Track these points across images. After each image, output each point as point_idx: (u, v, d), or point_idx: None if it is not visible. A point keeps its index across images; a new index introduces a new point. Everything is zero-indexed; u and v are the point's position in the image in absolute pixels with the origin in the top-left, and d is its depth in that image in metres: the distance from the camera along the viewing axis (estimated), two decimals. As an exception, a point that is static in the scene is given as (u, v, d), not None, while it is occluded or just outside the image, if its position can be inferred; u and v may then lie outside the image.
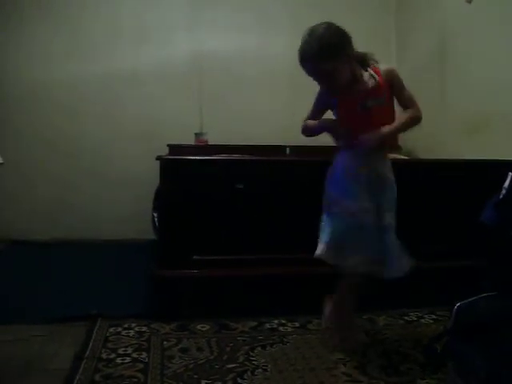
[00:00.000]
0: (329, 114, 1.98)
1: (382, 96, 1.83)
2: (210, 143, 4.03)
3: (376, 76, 1.83)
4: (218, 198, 2.34)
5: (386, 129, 1.80)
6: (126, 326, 2.17)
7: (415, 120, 1.87)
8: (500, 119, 3.04)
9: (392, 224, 1.90)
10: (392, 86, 1.85)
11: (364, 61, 1.87)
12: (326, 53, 1.73)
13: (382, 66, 1.87)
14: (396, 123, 1.84)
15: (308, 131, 1.98)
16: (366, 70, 1.85)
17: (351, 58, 1.81)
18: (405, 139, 4.28)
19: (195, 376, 1.72)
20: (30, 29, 4.03)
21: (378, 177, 1.89)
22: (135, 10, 4.19)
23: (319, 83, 1.86)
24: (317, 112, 1.96)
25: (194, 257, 2.30)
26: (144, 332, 2.11)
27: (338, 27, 1.78)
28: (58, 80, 4.04)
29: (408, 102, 1.87)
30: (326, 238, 1.88)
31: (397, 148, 1.96)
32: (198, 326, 2.18)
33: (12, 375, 1.71)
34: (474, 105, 3.29)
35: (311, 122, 1.95)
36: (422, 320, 2.29)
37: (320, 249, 1.88)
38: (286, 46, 4.37)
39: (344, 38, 1.79)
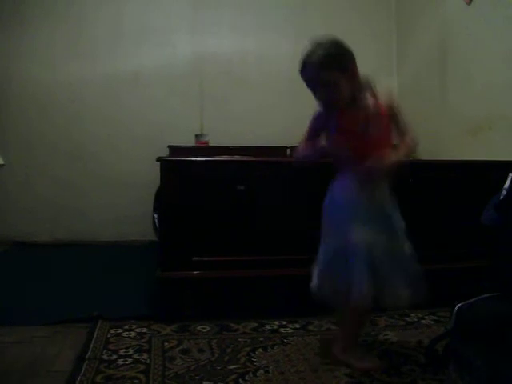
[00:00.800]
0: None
1: (382, 125, 1.78)
2: (210, 145, 4.04)
3: (378, 106, 1.79)
4: (219, 199, 2.34)
5: (393, 156, 1.73)
6: (126, 327, 2.17)
7: (414, 147, 1.84)
8: (501, 120, 3.04)
9: (405, 252, 1.81)
10: (392, 116, 1.81)
11: (366, 85, 1.81)
12: (330, 62, 1.70)
13: (383, 97, 1.81)
14: (401, 150, 1.79)
15: (304, 156, 1.85)
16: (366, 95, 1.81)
17: (354, 77, 1.76)
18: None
19: (196, 377, 1.72)
20: (31, 30, 4.05)
21: (380, 205, 1.81)
22: (137, 11, 4.21)
23: (317, 96, 1.78)
24: (313, 133, 1.86)
25: (195, 258, 2.30)
26: (145, 333, 2.11)
27: (343, 43, 1.76)
28: (59, 81, 4.06)
29: (405, 130, 1.83)
30: (327, 268, 1.80)
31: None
32: (199, 327, 2.18)
33: (14, 377, 1.71)
34: (476, 106, 3.29)
35: (307, 144, 1.83)
36: (423, 321, 2.29)
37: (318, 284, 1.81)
38: (287, 48, 4.41)
39: (350, 54, 1.76)
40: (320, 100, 1.79)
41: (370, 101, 1.80)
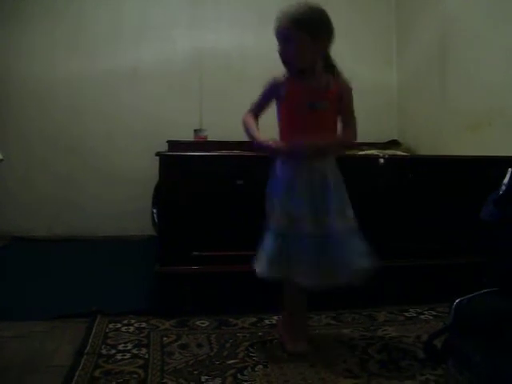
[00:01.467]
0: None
1: (329, 101, 1.81)
2: (209, 140, 4.04)
3: (332, 84, 1.83)
4: (218, 194, 2.34)
5: (324, 141, 1.76)
6: (125, 322, 2.17)
7: (347, 144, 1.87)
8: (501, 116, 3.04)
9: (344, 227, 1.81)
10: (341, 98, 1.83)
11: (331, 67, 1.86)
12: (305, 23, 1.73)
13: (343, 80, 1.86)
14: (333, 141, 1.81)
15: (248, 134, 1.88)
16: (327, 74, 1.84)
17: (320, 50, 1.80)
18: (406, 136, 4.31)
19: (195, 372, 1.72)
20: (31, 27, 4.04)
21: (320, 180, 1.81)
22: (136, 7, 4.20)
23: (280, 50, 1.80)
24: (262, 104, 1.90)
25: (194, 253, 2.29)
26: (143, 328, 2.11)
27: (329, 18, 1.78)
28: (58, 77, 4.05)
29: (350, 121, 1.84)
30: (269, 253, 1.82)
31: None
32: (198, 322, 2.18)
33: (13, 372, 1.71)
34: (475, 102, 3.29)
35: (253, 128, 1.85)
36: (422, 316, 2.29)
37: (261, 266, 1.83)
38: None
39: (328, 28, 1.79)
40: (280, 55, 1.81)
41: (327, 79, 1.83)
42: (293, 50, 1.77)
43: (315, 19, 1.76)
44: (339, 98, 1.83)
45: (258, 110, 1.91)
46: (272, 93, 1.88)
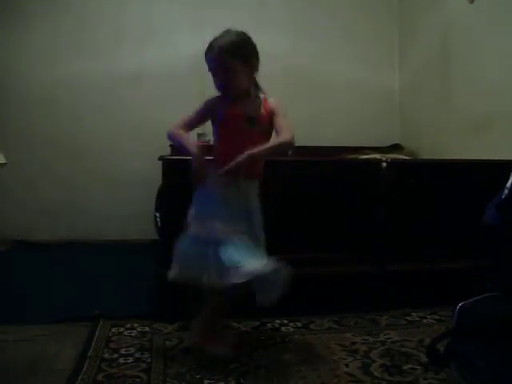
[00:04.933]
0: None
1: (263, 123, 1.87)
2: (212, 144, 4.04)
3: (263, 106, 1.89)
4: (220, 198, 2.33)
5: (254, 150, 1.75)
6: (128, 326, 2.17)
7: (285, 144, 1.84)
8: (504, 119, 3.04)
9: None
10: (273, 114, 1.88)
11: (259, 89, 1.93)
12: (235, 50, 1.81)
13: (271, 100, 1.92)
14: (265, 145, 1.80)
15: (176, 142, 1.94)
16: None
17: (253, 72, 1.89)
18: (408, 139, 4.31)
19: (198, 376, 1.72)
20: (32, 28, 4.05)
21: (244, 201, 1.86)
22: (138, 10, 4.21)
23: (215, 79, 1.86)
24: (197, 118, 1.94)
25: (197, 257, 2.29)
26: (146, 332, 2.11)
27: (251, 38, 1.89)
28: (60, 80, 4.06)
29: (283, 128, 1.85)
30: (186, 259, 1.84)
31: (259, 176, 1.93)
32: (201, 326, 2.18)
33: (16, 375, 1.71)
34: (478, 104, 3.29)
35: (184, 136, 1.90)
36: (425, 320, 2.29)
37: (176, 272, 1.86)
38: (287, 47, 4.41)
39: (254, 50, 1.89)
40: (217, 84, 1.87)
41: (259, 102, 1.90)
42: (229, 78, 1.83)
43: (244, 45, 1.86)
44: (271, 119, 1.88)
45: (188, 127, 1.94)
46: (208, 112, 1.93)
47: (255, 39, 1.93)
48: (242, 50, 1.84)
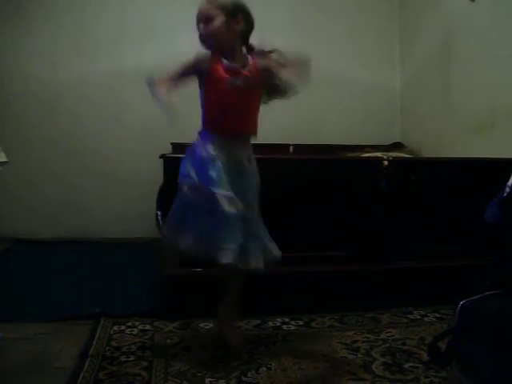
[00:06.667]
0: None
1: (250, 84, 1.86)
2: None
3: (250, 63, 1.91)
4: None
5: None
6: (129, 324, 2.18)
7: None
8: (504, 118, 3.03)
9: (255, 214, 1.86)
10: (266, 78, 1.89)
11: (251, 49, 1.96)
12: (225, 6, 1.84)
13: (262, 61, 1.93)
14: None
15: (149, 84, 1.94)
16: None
17: (241, 36, 1.91)
18: (409, 138, 4.30)
19: (199, 374, 1.72)
20: (33, 27, 4.04)
21: (236, 165, 1.86)
22: (140, 9, 4.19)
23: (198, 30, 1.90)
24: (181, 73, 1.93)
25: (198, 255, 2.29)
26: (147, 330, 2.11)
27: (248, 9, 1.94)
28: (61, 79, 4.05)
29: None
30: (195, 232, 1.80)
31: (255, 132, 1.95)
32: (202, 325, 2.18)
33: (17, 373, 1.71)
34: (479, 103, 3.28)
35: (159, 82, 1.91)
36: (426, 318, 2.29)
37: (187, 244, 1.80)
38: (288, 46, 4.39)
39: (246, 14, 1.93)
40: (200, 36, 1.92)
41: (249, 60, 1.92)
42: (209, 30, 1.86)
43: (238, 5, 1.89)
44: (261, 81, 1.90)
45: (173, 78, 1.96)
46: (194, 67, 1.92)
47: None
48: (228, 4, 1.86)
